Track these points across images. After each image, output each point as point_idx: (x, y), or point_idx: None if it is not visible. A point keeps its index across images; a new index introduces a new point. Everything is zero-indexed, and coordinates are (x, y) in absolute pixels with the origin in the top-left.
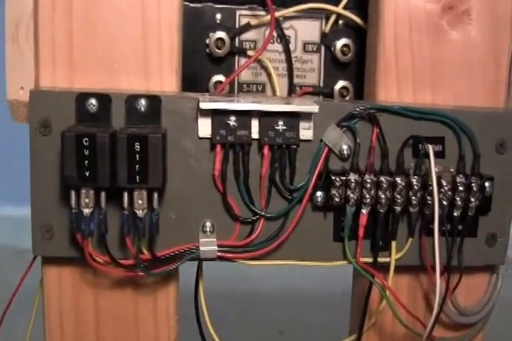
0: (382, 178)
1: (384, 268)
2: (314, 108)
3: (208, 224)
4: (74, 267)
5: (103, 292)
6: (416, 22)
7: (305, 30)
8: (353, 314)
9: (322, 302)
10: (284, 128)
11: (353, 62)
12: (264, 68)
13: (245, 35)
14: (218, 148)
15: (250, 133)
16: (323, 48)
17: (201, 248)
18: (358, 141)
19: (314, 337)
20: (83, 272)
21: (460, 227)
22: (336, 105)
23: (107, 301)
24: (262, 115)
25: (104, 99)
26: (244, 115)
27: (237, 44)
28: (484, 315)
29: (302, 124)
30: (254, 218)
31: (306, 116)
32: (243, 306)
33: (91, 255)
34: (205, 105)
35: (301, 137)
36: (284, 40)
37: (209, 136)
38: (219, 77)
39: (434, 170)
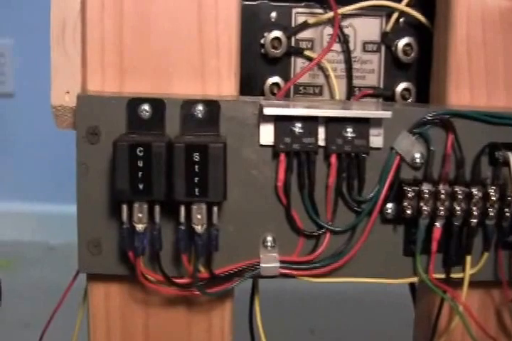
0: (457, 189)
1: (455, 283)
2: (387, 113)
3: (270, 238)
4: (122, 284)
5: (154, 311)
6: (490, 20)
7: (365, 29)
8: (417, 333)
9: (354, 301)
10: (353, 135)
11: (415, 63)
12: (322, 69)
13: (302, 35)
14: (282, 156)
15: (317, 140)
16: (383, 48)
17: (262, 264)
18: (431, 148)
19: (345, 336)
20: (132, 289)
21: None
22: (408, 110)
23: (158, 321)
24: (329, 121)
25: (158, 104)
26: (311, 121)
27: (293, 43)
28: None
29: (372, 131)
30: (320, 232)
31: (377, 121)
32: (274, 304)
33: (143, 274)
34: (269, 111)
35: (371, 144)
36: (344, 39)
37: (272, 144)
38: (275, 79)
39: None
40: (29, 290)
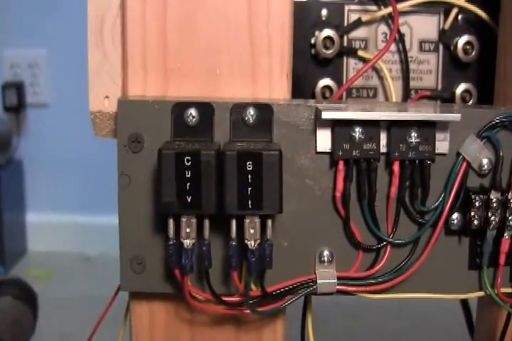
0: None
1: None
2: (456, 116)
3: (326, 252)
4: (167, 302)
5: (201, 331)
6: None
7: (421, 27)
8: None
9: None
10: (418, 140)
11: (475, 63)
12: (376, 70)
13: (355, 34)
14: (341, 164)
15: (379, 146)
16: (441, 47)
17: (319, 281)
18: (500, 154)
19: None
20: (178, 308)
21: None
22: (476, 112)
23: None
24: (391, 125)
25: (206, 109)
26: (372, 125)
27: (345, 43)
28: None
29: (437, 135)
30: (380, 245)
31: (443, 125)
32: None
33: (190, 292)
34: (328, 114)
35: (436, 150)
36: (399, 38)
37: (329, 151)
38: (326, 81)
39: None
40: (66, 302)
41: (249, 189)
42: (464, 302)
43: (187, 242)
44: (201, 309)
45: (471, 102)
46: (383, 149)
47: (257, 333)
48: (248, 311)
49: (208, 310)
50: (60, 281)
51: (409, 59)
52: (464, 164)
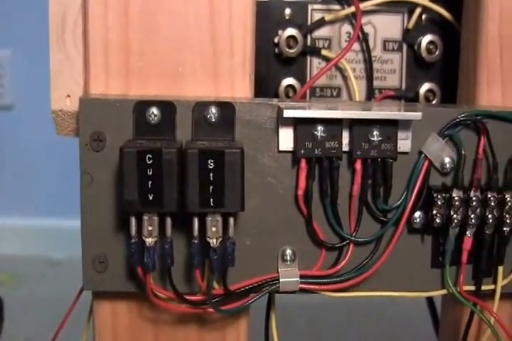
0: (489, 195)
1: (483, 295)
2: (418, 115)
3: (289, 251)
4: (130, 301)
5: (165, 330)
6: None
7: (385, 27)
8: None
9: (370, 314)
10: (380, 139)
11: (439, 62)
12: (340, 70)
13: (318, 33)
14: (303, 163)
15: (341, 145)
16: (405, 47)
17: (281, 279)
18: (462, 152)
19: None
20: (141, 307)
21: None
22: (438, 111)
23: (169, 340)
24: (353, 124)
25: (168, 107)
26: (334, 124)
27: (309, 42)
28: None
29: (399, 134)
30: (343, 244)
31: (405, 124)
32: (291, 317)
33: (153, 291)
34: (289, 113)
35: (398, 149)
36: (363, 37)
37: (291, 150)
38: (289, 81)
39: None
40: (31, 306)
41: (211, 187)
42: (430, 300)
43: (149, 240)
44: (164, 308)
45: (434, 102)
46: (345, 148)
47: (220, 332)
48: (211, 310)
49: (170, 309)
50: (25, 285)
51: (373, 58)
52: (426, 163)
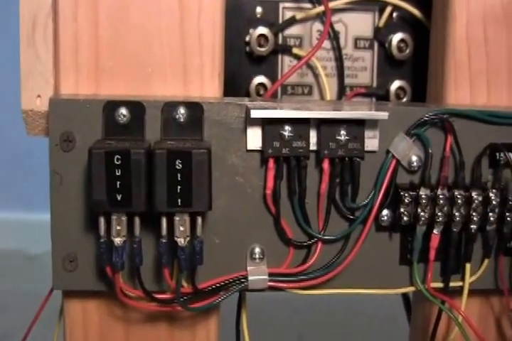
0: (456, 193)
1: (452, 292)
2: (384, 114)
3: (258, 249)
4: (101, 301)
5: (134, 328)
6: (492, 15)
7: (356, 25)
8: None
9: (342, 305)
10: (347, 138)
11: (410, 60)
12: (311, 68)
13: (289, 31)
14: (271, 162)
15: (308, 144)
16: (376, 44)
17: (250, 277)
18: (430, 151)
19: None
20: (111, 306)
21: None
22: (404, 110)
23: (139, 338)
24: (321, 123)
25: (137, 107)
26: (301, 124)
27: (280, 41)
28: None
29: (367, 133)
30: (311, 242)
31: (372, 123)
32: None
33: (122, 289)
34: (256, 113)
35: (365, 148)
36: (334, 35)
37: (259, 149)
38: (261, 79)
39: None
40: (8, 301)
41: (179, 187)
42: (405, 297)
43: (117, 240)
44: (134, 306)
45: (405, 99)
46: (313, 147)
47: (190, 330)
48: (180, 308)
49: (140, 307)
50: (0, 280)
51: (344, 56)
52: (394, 161)
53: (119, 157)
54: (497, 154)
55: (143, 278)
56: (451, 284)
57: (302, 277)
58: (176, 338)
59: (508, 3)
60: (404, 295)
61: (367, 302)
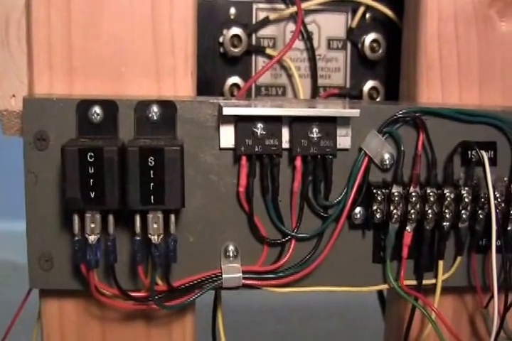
0: (429, 191)
1: (426, 290)
2: (355, 111)
3: (231, 247)
4: (77, 299)
5: (111, 326)
6: (462, 14)
7: (329, 25)
8: None
9: (325, 312)
10: (319, 135)
11: (383, 60)
12: (285, 69)
13: (263, 32)
14: (243, 160)
15: (280, 142)
16: (349, 45)
17: (224, 275)
18: (402, 148)
19: None
20: (88, 305)
21: None
22: (376, 108)
23: (116, 336)
24: (293, 121)
25: (110, 106)
26: (274, 122)
27: (254, 41)
28: None
29: (339, 131)
30: (284, 239)
31: (344, 121)
32: (242, 318)
33: (97, 288)
34: (229, 111)
35: (338, 146)
36: (307, 36)
37: (232, 147)
38: (235, 79)
39: (490, 179)
40: None
41: (152, 184)
42: (380, 295)
43: (91, 238)
44: (109, 304)
45: (378, 99)
46: (286, 145)
47: (166, 328)
48: (155, 306)
49: (115, 306)
50: None
51: (318, 57)
52: (366, 159)
53: (92, 154)
54: (469, 152)
55: (118, 276)
56: (425, 281)
57: (276, 275)
58: (153, 336)
59: (479, 3)
60: (380, 294)
61: (345, 303)
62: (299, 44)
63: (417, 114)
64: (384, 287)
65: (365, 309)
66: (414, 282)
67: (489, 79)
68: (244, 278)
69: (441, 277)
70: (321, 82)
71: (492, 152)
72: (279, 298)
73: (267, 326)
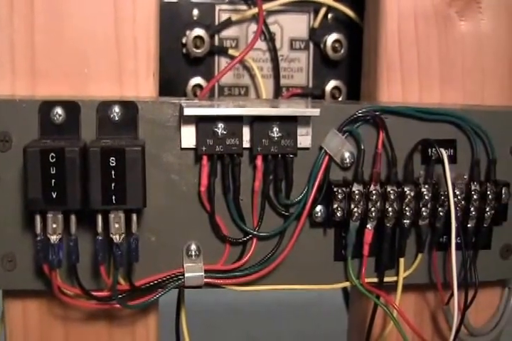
0: (389, 189)
1: (387, 287)
2: (315, 111)
3: (193, 246)
4: (40, 299)
5: (74, 326)
6: (422, 13)
7: (291, 26)
8: (351, 340)
9: (295, 310)
10: (280, 135)
11: (345, 60)
12: (247, 69)
13: (225, 33)
14: (204, 160)
15: (241, 141)
16: (311, 45)
17: (186, 274)
18: (362, 147)
19: None
20: (51, 305)
21: (473, 239)
22: (336, 107)
23: (79, 336)
24: (254, 121)
25: (72, 107)
26: (235, 121)
27: (216, 42)
28: (496, 335)
29: (300, 130)
30: (246, 238)
31: (304, 120)
32: (213, 316)
33: (59, 288)
34: (190, 111)
35: (298, 145)
36: (270, 37)
37: (193, 147)
38: (197, 80)
39: (449, 177)
40: None
41: (113, 184)
42: (345, 292)
43: (53, 238)
44: (72, 304)
45: (340, 98)
46: (247, 144)
47: (129, 327)
48: (118, 305)
49: (78, 305)
50: None
51: (280, 57)
52: (326, 158)
53: (53, 155)
54: (429, 150)
55: (80, 276)
56: (386, 279)
57: (238, 273)
58: (116, 336)
59: (439, 2)
60: (345, 291)
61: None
62: (262, 44)
63: (376, 113)
64: (346, 285)
65: (330, 307)
66: (375, 280)
67: (450, 78)
68: (206, 277)
69: (402, 274)
70: (283, 82)
71: (452, 150)
72: (247, 297)
73: (235, 325)
